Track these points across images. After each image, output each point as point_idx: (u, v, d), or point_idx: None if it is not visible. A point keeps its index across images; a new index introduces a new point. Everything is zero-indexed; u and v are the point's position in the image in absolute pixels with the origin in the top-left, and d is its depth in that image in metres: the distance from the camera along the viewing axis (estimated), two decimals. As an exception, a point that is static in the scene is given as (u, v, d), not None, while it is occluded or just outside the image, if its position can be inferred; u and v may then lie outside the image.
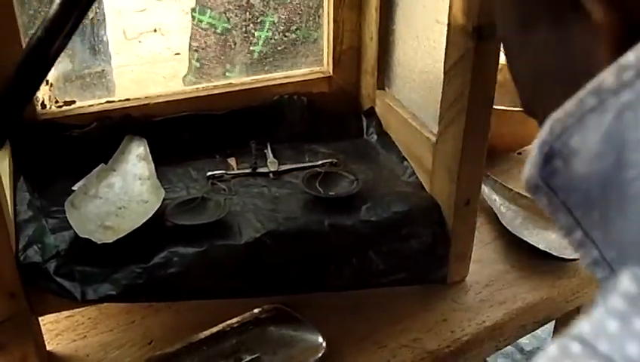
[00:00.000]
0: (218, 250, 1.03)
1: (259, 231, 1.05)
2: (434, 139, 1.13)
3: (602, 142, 0.24)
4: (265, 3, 1.46)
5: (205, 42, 1.63)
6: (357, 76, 1.39)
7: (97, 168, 1.20)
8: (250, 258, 1.04)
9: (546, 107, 0.28)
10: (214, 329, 1.03)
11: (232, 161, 1.29)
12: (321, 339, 1.02)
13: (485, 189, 1.43)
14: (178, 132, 1.29)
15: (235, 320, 1.05)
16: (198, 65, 1.67)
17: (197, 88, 1.34)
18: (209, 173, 1.23)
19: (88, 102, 1.27)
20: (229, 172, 1.25)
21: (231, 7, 1.60)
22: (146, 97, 1.28)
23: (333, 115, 1.38)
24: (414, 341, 1.08)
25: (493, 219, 1.39)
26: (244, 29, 1.53)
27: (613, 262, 0.26)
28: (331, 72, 1.38)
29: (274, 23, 1.48)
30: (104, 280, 0.97)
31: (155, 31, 2.76)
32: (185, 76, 1.79)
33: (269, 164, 1.27)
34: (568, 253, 1.26)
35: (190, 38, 1.76)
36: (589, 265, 0.27)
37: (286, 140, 1.35)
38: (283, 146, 1.34)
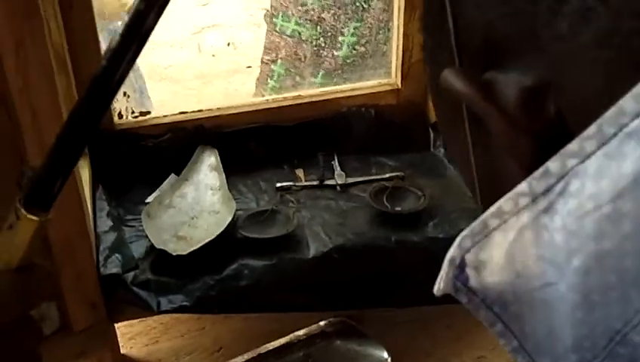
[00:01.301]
0: (287, 263, 1.05)
1: (327, 246, 1.07)
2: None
3: (507, 256, 0.27)
4: (336, 17, 1.48)
5: (286, 49, 1.65)
6: (425, 89, 1.39)
7: (170, 178, 1.24)
8: (318, 272, 1.06)
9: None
10: (282, 341, 1.06)
11: (299, 173, 1.31)
12: (385, 355, 1.04)
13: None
14: (248, 143, 1.32)
15: (302, 332, 1.07)
16: (282, 71, 1.68)
17: (267, 100, 1.37)
18: (278, 185, 1.26)
19: (163, 113, 1.30)
20: (297, 183, 1.27)
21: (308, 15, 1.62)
22: (218, 108, 1.32)
23: (400, 128, 1.38)
24: (479, 358, 1.09)
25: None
26: (327, 35, 1.54)
27: (532, 353, 0.29)
28: (399, 84, 1.39)
29: (358, 28, 1.49)
30: (178, 291, 1.01)
31: (228, 45, 2.82)
32: (264, 83, 1.80)
33: (336, 176, 1.28)
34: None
35: (267, 47, 1.77)
36: (511, 352, 0.30)
37: (353, 152, 1.36)
38: (350, 158, 1.35)
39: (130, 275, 1.00)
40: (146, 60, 2.80)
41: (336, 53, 1.57)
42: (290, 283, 1.05)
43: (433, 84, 0.34)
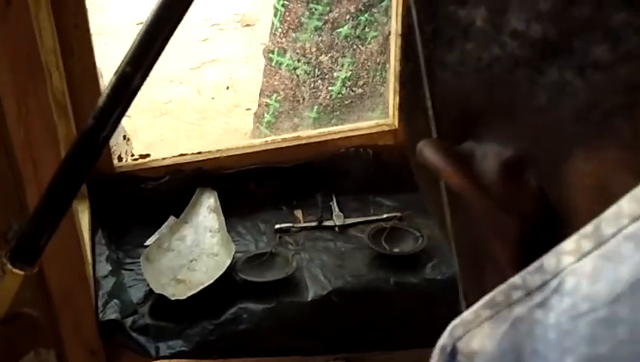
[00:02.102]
0: (286, 306, 1.05)
1: (325, 289, 1.08)
2: (500, 199, 1.13)
3: (499, 347, 0.27)
4: (333, 60, 1.50)
5: (282, 84, 1.67)
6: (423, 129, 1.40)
7: (169, 221, 1.24)
8: (317, 315, 1.06)
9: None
10: (281, 385, 1.06)
11: (298, 213, 1.32)
12: (385, 398, 1.04)
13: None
14: (247, 184, 1.33)
15: (301, 375, 1.07)
16: (277, 106, 1.70)
17: (266, 141, 1.38)
18: (277, 226, 1.26)
19: (162, 155, 1.32)
20: (296, 225, 1.27)
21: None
22: (217, 150, 1.33)
23: (398, 168, 1.39)
24: (479, 401, 1.08)
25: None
26: (322, 71, 1.56)
27: None
28: (397, 124, 1.40)
29: (352, 64, 1.51)
30: (177, 336, 1.01)
31: (227, 88, 2.85)
32: (260, 117, 1.82)
33: (334, 217, 1.29)
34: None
35: (264, 81, 1.79)
36: None
37: (351, 192, 1.37)
38: (348, 198, 1.36)
39: (129, 320, 1.00)
40: (145, 96, 2.84)
41: (330, 89, 1.59)
42: (289, 326, 1.05)
43: (410, 145, 0.33)
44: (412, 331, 1.11)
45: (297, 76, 1.65)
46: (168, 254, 1.17)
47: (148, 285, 1.07)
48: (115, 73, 0.50)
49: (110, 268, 1.09)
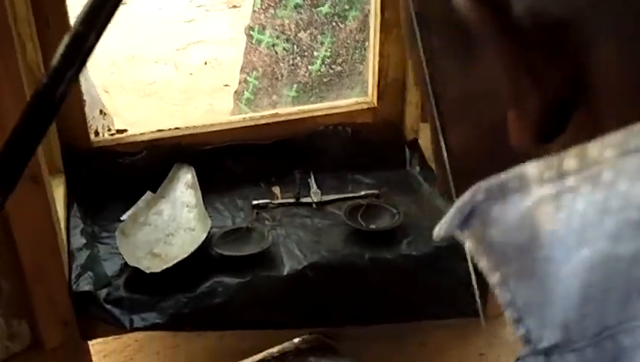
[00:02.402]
0: (261, 281, 1.06)
1: (301, 263, 1.08)
2: (476, 175, 1.14)
3: (520, 220, 0.26)
4: (312, 37, 1.49)
5: (262, 62, 1.66)
6: (401, 108, 1.41)
7: (146, 195, 1.24)
8: (292, 289, 1.06)
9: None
10: (256, 358, 1.06)
11: (276, 190, 1.32)
12: (359, 372, 1.04)
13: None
14: (225, 160, 1.33)
15: (276, 349, 1.08)
16: (256, 83, 1.69)
17: (244, 118, 1.38)
18: (254, 202, 1.26)
19: (140, 131, 1.31)
20: (273, 201, 1.27)
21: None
22: (195, 126, 1.33)
23: (376, 146, 1.40)
24: (452, 376, 1.09)
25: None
26: (301, 49, 1.55)
27: (523, 311, 0.28)
28: (376, 103, 1.40)
29: (332, 42, 1.50)
30: (151, 309, 1.01)
31: (206, 65, 2.84)
32: (240, 95, 1.81)
33: (312, 194, 1.29)
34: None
35: (244, 59, 1.78)
36: (503, 307, 0.29)
37: (330, 170, 1.37)
38: (326, 176, 1.36)
39: (103, 292, 1.00)
40: (130, 76, 2.83)
41: (310, 67, 1.58)
42: (264, 300, 1.06)
43: None
44: (386, 306, 1.11)
45: (276, 53, 1.64)
46: (144, 228, 1.17)
47: (123, 259, 1.07)
48: (69, 33, 0.49)
49: (85, 242, 1.08)
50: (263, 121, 1.36)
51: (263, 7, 1.62)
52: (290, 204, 1.28)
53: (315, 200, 1.28)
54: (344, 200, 1.27)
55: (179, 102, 2.70)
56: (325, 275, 1.08)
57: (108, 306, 0.99)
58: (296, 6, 1.57)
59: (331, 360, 1.06)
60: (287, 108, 1.41)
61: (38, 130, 0.50)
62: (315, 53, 1.57)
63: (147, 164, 1.28)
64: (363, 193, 1.30)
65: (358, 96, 1.44)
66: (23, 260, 0.88)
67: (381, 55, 1.35)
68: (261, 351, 1.09)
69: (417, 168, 1.37)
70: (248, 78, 1.76)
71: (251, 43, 1.69)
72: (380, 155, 1.40)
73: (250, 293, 1.05)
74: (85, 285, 0.99)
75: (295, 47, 1.58)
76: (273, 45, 1.62)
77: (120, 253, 1.08)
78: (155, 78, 2.86)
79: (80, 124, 1.22)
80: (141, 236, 1.15)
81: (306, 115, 1.38)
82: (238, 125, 1.35)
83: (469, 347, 1.14)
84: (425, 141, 1.37)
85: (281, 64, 1.63)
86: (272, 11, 1.59)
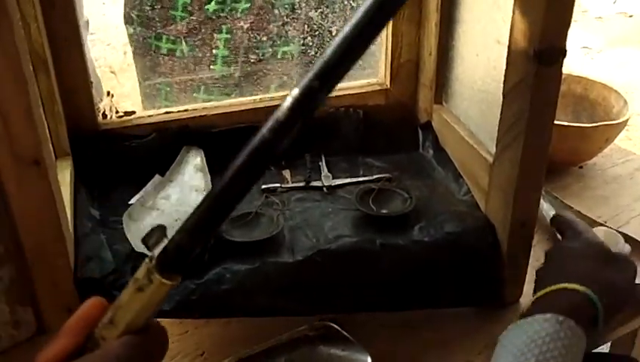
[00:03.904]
0: (270, 267, 1.04)
1: (311, 249, 1.06)
2: (491, 159, 1.11)
3: None
4: (324, 16, 1.46)
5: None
6: (414, 89, 1.38)
7: (154, 179, 1.22)
8: (302, 276, 1.04)
9: None
10: (265, 346, 1.04)
11: (286, 174, 1.30)
12: (369, 359, 1.02)
13: (544, 205, 1.40)
14: (234, 143, 1.30)
15: (285, 336, 1.06)
16: None
17: (254, 100, 1.35)
18: (263, 186, 1.24)
19: (148, 113, 1.29)
20: (283, 185, 1.25)
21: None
22: (203, 108, 1.30)
23: (389, 128, 1.37)
24: (465, 364, 1.07)
25: (551, 236, 1.36)
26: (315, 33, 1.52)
27: None
28: (388, 84, 1.37)
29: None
30: (158, 295, 0.99)
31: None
32: None
33: (322, 178, 1.27)
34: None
35: None
36: None
37: (341, 153, 1.34)
38: (338, 159, 1.33)
39: (110, 279, 0.98)
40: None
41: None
42: (273, 286, 1.04)
43: None
44: (398, 293, 1.09)
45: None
46: (152, 213, 1.15)
47: (130, 244, 1.05)
48: (300, 86, 0.46)
49: (91, 226, 1.07)
50: (274, 103, 1.34)
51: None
52: (300, 188, 1.25)
53: (326, 185, 1.25)
54: (355, 185, 1.25)
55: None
56: (335, 261, 1.06)
57: (115, 292, 0.98)
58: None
59: (341, 347, 1.04)
60: (297, 90, 1.38)
61: (248, 185, 0.48)
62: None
63: (155, 147, 1.26)
64: (375, 177, 1.27)
65: (370, 78, 1.41)
66: (26, 246, 0.86)
67: (394, 35, 1.32)
68: (270, 339, 1.07)
69: (430, 151, 1.34)
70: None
71: None
72: (393, 138, 1.37)
73: (259, 280, 1.03)
74: (91, 271, 0.97)
75: (306, 26, 1.55)
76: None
77: (127, 239, 1.06)
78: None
79: (87, 106, 1.20)
80: (149, 221, 1.13)
81: (316, 97, 1.35)
82: (248, 107, 1.32)
83: (483, 335, 1.12)
84: (438, 124, 1.34)
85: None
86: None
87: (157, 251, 0.50)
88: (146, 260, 0.50)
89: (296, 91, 0.45)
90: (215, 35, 1.52)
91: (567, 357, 0.81)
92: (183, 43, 1.57)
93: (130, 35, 1.72)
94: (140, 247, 1.03)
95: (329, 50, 0.45)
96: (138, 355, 0.51)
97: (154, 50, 1.65)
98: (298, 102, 0.45)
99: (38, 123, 0.83)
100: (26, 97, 0.79)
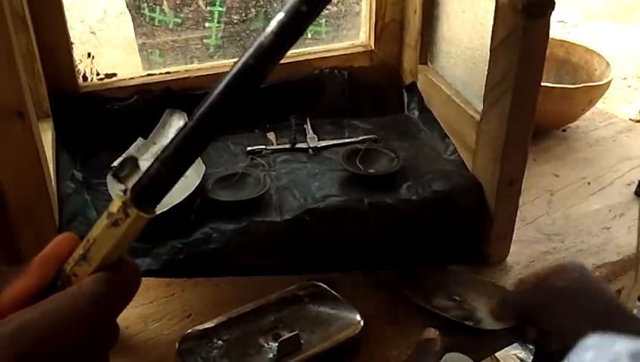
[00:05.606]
0: (257, 226, 1.03)
1: (299, 209, 1.05)
2: (478, 117, 1.11)
3: None
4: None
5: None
6: (399, 50, 1.37)
7: (137, 142, 1.20)
8: (290, 235, 1.04)
9: None
10: (253, 305, 1.04)
11: (271, 136, 1.29)
12: (358, 317, 1.02)
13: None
14: (218, 105, 1.29)
15: (273, 296, 1.05)
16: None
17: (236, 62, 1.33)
18: (249, 148, 1.23)
19: (129, 75, 1.27)
20: (268, 147, 1.24)
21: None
22: (186, 70, 1.28)
23: (373, 90, 1.36)
24: (453, 321, 1.07)
25: (535, 198, 1.36)
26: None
27: None
28: (373, 45, 1.36)
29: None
30: (145, 255, 0.98)
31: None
32: None
33: (308, 139, 1.26)
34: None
35: None
36: None
37: (326, 115, 1.33)
38: (323, 121, 1.32)
39: (95, 239, 0.97)
40: (119, 34, 2.76)
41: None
42: (260, 246, 1.03)
43: None
44: (386, 251, 1.09)
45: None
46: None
47: (115, 205, 1.03)
48: (285, 10, 0.44)
49: (75, 187, 1.05)
50: (257, 65, 1.31)
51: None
52: (285, 149, 1.24)
53: (312, 146, 1.24)
54: (341, 146, 1.24)
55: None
56: (323, 220, 1.05)
57: (100, 252, 0.96)
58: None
59: (330, 306, 1.04)
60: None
61: (228, 114, 0.45)
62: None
63: (137, 109, 1.24)
64: (360, 138, 1.27)
65: (354, 39, 1.39)
66: (10, 201, 0.84)
67: (378, -5, 1.30)
68: (258, 299, 1.07)
69: (416, 112, 1.34)
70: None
71: None
72: (378, 99, 1.36)
73: (246, 239, 1.02)
74: (76, 229, 0.95)
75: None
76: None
77: (111, 199, 1.05)
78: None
79: (67, 67, 1.17)
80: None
81: (301, 59, 1.34)
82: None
83: (469, 293, 1.12)
84: (423, 84, 1.34)
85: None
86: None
87: (130, 183, 0.47)
88: (119, 193, 0.47)
89: (281, 15, 0.43)
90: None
91: None
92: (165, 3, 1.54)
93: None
94: (125, 208, 1.01)
95: None
96: (113, 291, 0.48)
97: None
98: (284, 27, 0.43)
99: (22, 75, 0.81)
100: (7, 46, 0.77)
